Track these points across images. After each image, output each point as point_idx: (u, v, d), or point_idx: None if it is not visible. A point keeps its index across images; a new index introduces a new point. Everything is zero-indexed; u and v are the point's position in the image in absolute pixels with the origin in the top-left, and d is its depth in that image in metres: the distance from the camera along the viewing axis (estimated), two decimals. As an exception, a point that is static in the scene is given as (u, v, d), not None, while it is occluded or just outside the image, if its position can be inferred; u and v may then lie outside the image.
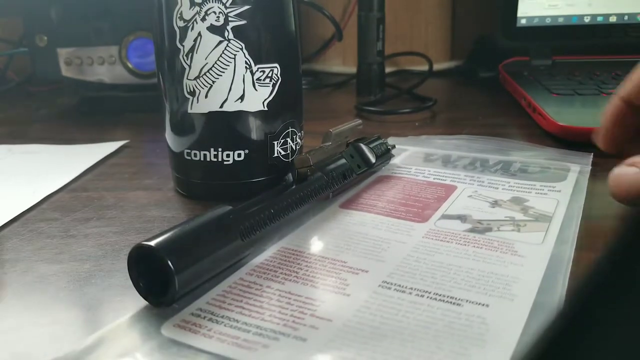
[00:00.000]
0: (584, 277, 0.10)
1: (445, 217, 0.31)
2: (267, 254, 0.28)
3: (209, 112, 0.33)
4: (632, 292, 0.10)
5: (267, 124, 0.34)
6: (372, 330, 0.21)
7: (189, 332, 0.22)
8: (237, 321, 0.22)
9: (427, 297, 0.23)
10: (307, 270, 0.26)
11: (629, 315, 0.10)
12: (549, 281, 0.24)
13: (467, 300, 0.23)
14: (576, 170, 0.38)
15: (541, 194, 0.34)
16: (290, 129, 0.35)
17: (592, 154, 0.40)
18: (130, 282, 0.24)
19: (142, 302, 0.24)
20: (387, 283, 0.25)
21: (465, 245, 0.28)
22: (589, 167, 0.38)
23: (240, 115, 0.33)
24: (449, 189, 0.36)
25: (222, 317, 0.23)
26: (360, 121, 0.37)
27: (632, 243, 0.10)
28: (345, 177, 0.35)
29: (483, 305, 0.23)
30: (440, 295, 0.24)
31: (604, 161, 0.37)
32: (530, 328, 0.21)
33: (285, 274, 0.26)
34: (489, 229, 0.30)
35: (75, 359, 0.20)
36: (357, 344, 0.20)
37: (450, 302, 0.23)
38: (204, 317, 0.22)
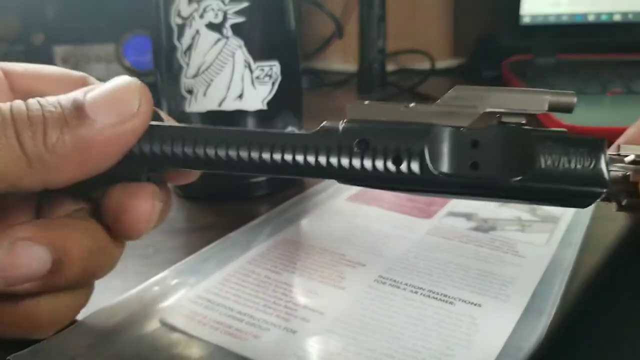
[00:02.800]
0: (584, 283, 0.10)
1: (451, 214, 0.31)
2: (270, 244, 0.28)
3: (208, 112, 0.33)
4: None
5: (266, 123, 0.34)
6: (362, 325, 0.21)
7: (185, 318, 0.22)
8: (232, 309, 0.22)
9: (421, 294, 0.23)
10: (305, 262, 0.26)
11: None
12: (546, 284, 0.24)
13: (460, 299, 0.23)
14: None
15: None
16: (290, 128, 0.35)
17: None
18: (128, 273, 0.24)
19: (141, 285, 0.24)
20: (383, 278, 0.25)
21: (466, 243, 0.28)
22: None
23: (240, 114, 0.33)
24: None
25: (218, 304, 0.23)
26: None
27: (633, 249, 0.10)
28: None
29: (475, 304, 0.23)
30: (434, 292, 0.23)
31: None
32: (519, 331, 0.21)
33: (284, 265, 0.26)
34: (493, 228, 0.29)
35: (71, 333, 0.21)
36: (345, 339, 0.21)
37: (443, 300, 0.23)
38: (201, 304, 0.23)
